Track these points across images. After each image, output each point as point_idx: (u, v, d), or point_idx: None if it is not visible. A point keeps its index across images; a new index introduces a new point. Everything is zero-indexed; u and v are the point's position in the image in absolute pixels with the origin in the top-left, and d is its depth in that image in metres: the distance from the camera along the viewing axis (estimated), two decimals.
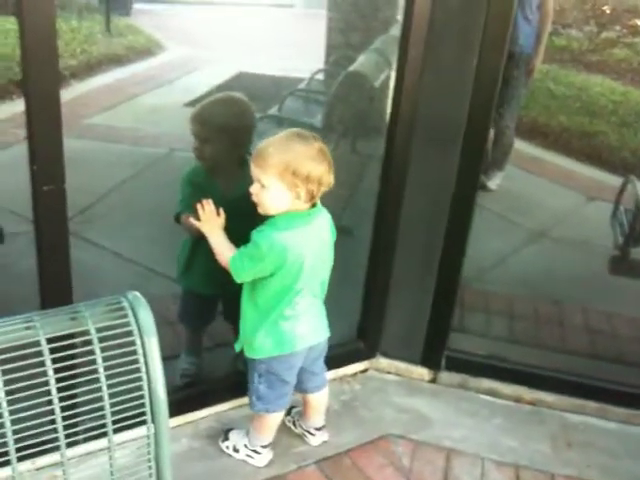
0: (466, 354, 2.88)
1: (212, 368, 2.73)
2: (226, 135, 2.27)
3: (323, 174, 1.99)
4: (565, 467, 2.49)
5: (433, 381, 2.87)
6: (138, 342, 1.38)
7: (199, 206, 2.13)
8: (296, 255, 2.02)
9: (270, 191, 1.99)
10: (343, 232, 3.35)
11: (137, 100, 6.37)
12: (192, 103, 6.10)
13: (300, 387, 2.37)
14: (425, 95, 2.44)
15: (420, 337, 2.82)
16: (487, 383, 2.82)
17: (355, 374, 2.88)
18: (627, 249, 3.42)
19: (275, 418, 2.34)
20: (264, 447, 2.37)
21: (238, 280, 2.12)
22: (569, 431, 2.68)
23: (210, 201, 2.13)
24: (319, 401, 2.44)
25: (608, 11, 7.33)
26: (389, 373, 2.90)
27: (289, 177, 1.96)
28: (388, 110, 2.53)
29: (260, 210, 2.06)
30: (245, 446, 2.37)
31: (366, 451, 2.48)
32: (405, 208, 2.61)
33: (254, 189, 2.03)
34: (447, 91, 2.46)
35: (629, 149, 5.47)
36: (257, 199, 2.04)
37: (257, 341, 2.16)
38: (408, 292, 2.77)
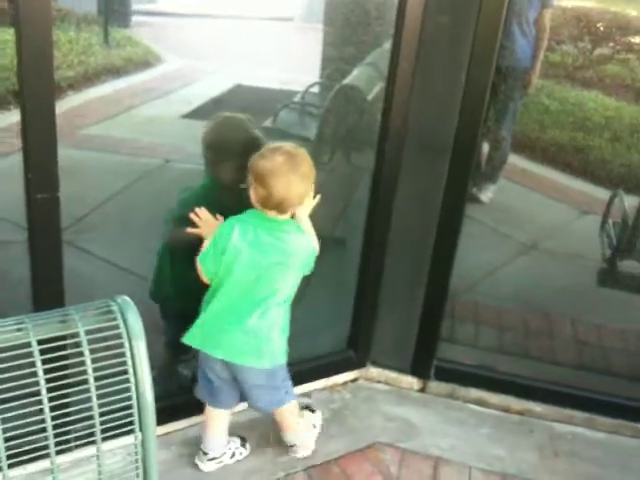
0: (455, 364, 2.90)
1: None
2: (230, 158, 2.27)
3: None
4: (552, 476, 2.52)
5: (422, 390, 2.90)
6: (126, 345, 1.42)
7: (193, 215, 2.16)
8: (235, 246, 2.06)
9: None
10: (336, 243, 3.40)
11: (134, 111, 6.39)
12: (189, 115, 6.17)
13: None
14: (415, 108, 2.48)
15: (410, 347, 2.85)
16: (476, 393, 2.85)
17: (345, 383, 2.90)
18: (614, 261, 3.45)
19: (208, 414, 2.31)
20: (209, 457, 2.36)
21: (207, 275, 2.13)
22: (556, 441, 2.70)
23: (204, 208, 2.17)
24: (276, 418, 2.39)
25: (602, 28, 7.39)
26: (379, 382, 2.92)
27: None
28: None
29: None
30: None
31: (355, 459, 2.50)
32: (395, 219, 2.65)
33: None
34: (437, 104, 2.51)
35: (620, 163, 5.52)
36: None
37: None
38: (398, 302, 2.80)
